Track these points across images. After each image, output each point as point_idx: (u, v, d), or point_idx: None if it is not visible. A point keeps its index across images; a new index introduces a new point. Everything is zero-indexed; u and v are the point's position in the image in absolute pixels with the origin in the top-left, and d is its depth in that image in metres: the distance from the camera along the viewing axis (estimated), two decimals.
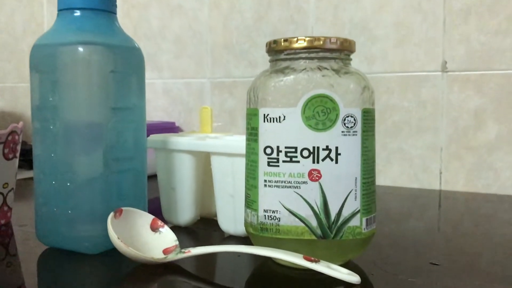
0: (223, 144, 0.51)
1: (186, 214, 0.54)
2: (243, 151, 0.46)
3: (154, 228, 0.44)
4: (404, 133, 0.79)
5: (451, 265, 0.43)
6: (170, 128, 0.95)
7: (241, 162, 0.48)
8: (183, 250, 0.41)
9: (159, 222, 0.44)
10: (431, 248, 0.49)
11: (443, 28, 0.77)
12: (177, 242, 0.43)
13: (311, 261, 0.37)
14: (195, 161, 0.53)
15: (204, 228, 0.54)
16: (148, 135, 0.86)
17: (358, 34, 0.82)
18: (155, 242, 0.43)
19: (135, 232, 0.43)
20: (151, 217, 0.44)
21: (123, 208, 0.43)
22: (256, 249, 0.40)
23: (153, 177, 0.60)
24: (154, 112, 0.99)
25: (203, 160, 0.54)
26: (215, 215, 0.57)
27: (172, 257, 0.40)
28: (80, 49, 0.42)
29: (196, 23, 0.95)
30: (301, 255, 0.38)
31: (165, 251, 0.42)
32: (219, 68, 0.94)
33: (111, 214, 0.41)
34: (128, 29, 1.02)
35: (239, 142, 0.50)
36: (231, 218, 0.51)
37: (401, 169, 0.80)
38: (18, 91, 1.15)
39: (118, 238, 0.40)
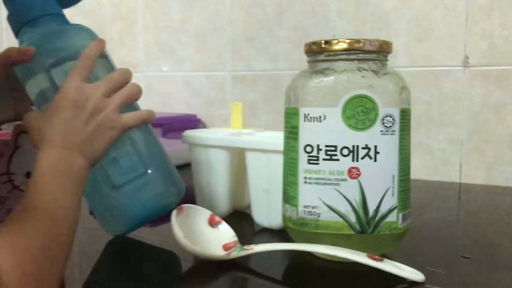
0: (259, 141, 0.52)
1: (220, 207, 0.56)
2: (278, 147, 0.48)
3: (212, 224, 0.46)
4: (425, 126, 0.81)
5: (481, 258, 0.45)
6: (191, 120, 0.96)
7: (276, 158, 0.49)
8: (245, 247, 0.43)
9: (217, 218, 0.46)
10: (457, 240, 0.51)
11: (465, 23, 0.77)
12: (236, 238, 0.45)
13: (375, 259, 0.39)
14: (229, 156, 0.55)
15: (236, 220, 0.56)
16: (169, 128, 0.88)
17: (379, 28, 0.83)
18: (214, 238, 0.44)
19: (196, 228, 0.45)
20: (209, 212, 0.46)
21: (183, 206, 0.45)
22: (319, 247, 0.41)
23: (184, 167, 0.62)
24: (176, 104, 1.01)
25: (237, 155, 0.56)
26: (246, 208, 0.59)
27: (235, 254, 0.42)
28: None
29: (217, 16, 0.96)
30: (365, 254, 0.40)
31: (225, 247, 0.43)
32: (240, 61, 0.95)
33: (174, 211, 0.43)
34: (148, 22, 1.03)
35: (274, 138, 0.51)
36: (265, 212, 0.53)
37: (422, 162, 0.81)
38: None
39: (185, 237, 0.42)
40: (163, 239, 0.50)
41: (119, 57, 1.05)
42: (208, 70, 0.99)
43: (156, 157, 0.48)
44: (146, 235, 0.52)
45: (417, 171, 0.81)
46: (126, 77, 0.46)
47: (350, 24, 0.85)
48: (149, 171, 0.46)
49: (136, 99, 0.47)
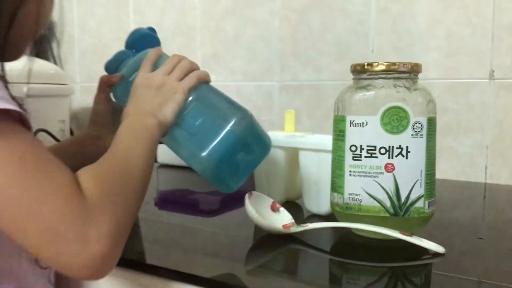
0: (310, 142, 0.64)
1: (276, 197, 0.68)
2: (326, 147, 0.59)
3: (274, 209, 0.58)
4: (453, 132, 0.90)
5: (494, 239, 0.55)
6: None
7: (325, 156, 0.61)
8: (302, 225, 0.54)
9: (277, 205, 0.58)
10: (476, 227, 0.61)
11: (491, 41, 0.87)
12: (293, 220, 0.56)
13: (406, 235, 0.50)
14: (285, 154, 0.67)
15: (290, 208, 0.68)
16: None
17: (413, 44, 0.93)
18: (276, 219, 0.56)
19: (262, 211, 0.56)
20: (271, 200, 0.58)
21: (253, 192, 0.57)
22: (361, 225, 0.52)
23: None
24: None
25: (291, 154, 0.67)
26: (297, 198, 0.70)
27: (294, 229, 0.54)
28: None
29: (267, 32, 1.08)
30: (397, 231, 0.51)
31: (284, 226, 0.55)
32: (287, 72, 1.07)
33: (247, 195, 0.55)
34: (206, 37, 1.16)
35: (322, 140, 0.63)
36: (315, 200, 0.64)
37: (450, 164, 0.91)
38: None
39: (256, 212, 0.54)
40: (237, 223, 0.62)
41: None
42: (257, 80, 1.11)
43: (216, 100, 0.59)
44: (222, 221, 0.64)
45: (446, 172, 0.91)
46: (185, 63, 0.59)
47: (387, 40, 0.96)
48: (214, 113, 0.57)
49: (203, 80, 0.58)
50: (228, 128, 0.55)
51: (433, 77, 0.91)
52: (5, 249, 0.45)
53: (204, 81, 0.59)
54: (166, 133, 0.55)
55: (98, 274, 0.38)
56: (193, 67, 0.60)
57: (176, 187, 0.94)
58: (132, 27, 1.27)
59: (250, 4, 1.10)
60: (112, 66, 0.67)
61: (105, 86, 0.64)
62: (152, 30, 0.68)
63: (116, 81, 0.63)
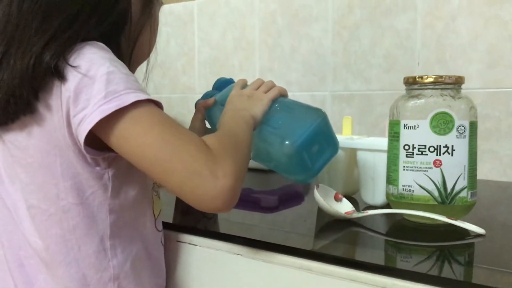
0: (367, 143, 0.75)
1: (336, 190, 0.78)
2: (381, 148, 0.70)
3: (337, 199, 0.69)
4: (494, 137, 0.99)
5: None
6: None
7: (380, 156, 0.71)
8: (362, 211, 0.65)
9: (340, 195, 0.69)
10: None
11: None
12: (354, 208, 0.67)
13: (451, 219, 0.60)
14: (344, 154, 0.78)
15: (350, 200, 0.78)
16: None
17: (457, 57, 1.03)
18: (339, 207, 0.67)
19: (327, 200, 0.67)
20: (334, 191, 0.69)
21: (320, 184, 0.68)
22: (413, 212, 0.62)
23: None
24: None
25: (349, 154, 0.78)
26: (354, 193, 0.81)
27: (356, 215, 0.65)
28: None
29: (321, 48, 1.20)
30: (445, 216, 0.60)
31: (347, 213, 0.66)
32: (339, 83, 1.18)
33: (315, 186, 0.67)
34: (264, 52, 1.28)
35: (377, 141, 0.73)
36: (371, 193, 0.75)
37: (492, 166, 1.00)
38: (172, 101, 1.47)
39: (324, 200, 0.65)
40: (303, 214, 0.73)
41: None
42: (312, 90, 1.22)
43: (295, 105, 0.74)
44: (286, 215, 0.75)
45: (488, 173, 0.99)
46: (268, 82, 0.75)
47: (432, 53, 1.05)
48: (294, 113, 0.71)
49: (282, 94, 0.73)
50: (307, 120, 0.69)
51: (475, 86, 1.00)
52: (137, 213, 0.59)
53: (284, 95, 0.74)
54: (256, 127, 0.68)
55: (225, 204, 0.50)
56: (274, 85, 0.74)
57: None
58: (197, 44, 1.41)
59: (304, 22, 1.22)
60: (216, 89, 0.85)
61: (202, 108, 0.79)
62: (231, 79, 0.85)
63: (210, 104, 0.78)
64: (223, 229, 0.66)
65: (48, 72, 0.51)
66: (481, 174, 0.99)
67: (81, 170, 0.54)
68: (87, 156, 0.53)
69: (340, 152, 0.78)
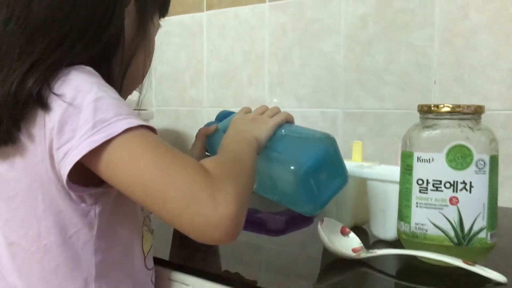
0: (378, 173, 0.69)
1: (344, 222, 0.73)
2: (393, 178, 0.65)
3: (343, 233, 0.64)
4: None
5: None
6: None
7: (392, 187, 0.66)
8: (370, 251, 0.60)
9: (347, 229, 0.64)
10: None
11: None
12: (361, 245, 0.62)
13: (469, 264, 0.55)
14: (353, 183, 0.73)
15: (357, 232, 0.73)
16: None
17: (476, 76, 0.97)
18: (345, 243, 0.62)
19: (333, 235, 0.63)
20: (340, 224, 0.64)
21: (324, 218, 0.63)
22: (426, 253, 0.57)
23: None
24: None
25: (358, 183, 0.73)
26: (364, 223, 0.76)
27: (363, 255, 0.60)
28: None
29: (333, 63, 1.15)
30: (461, 260, 0.55)
31: (354, 250, 0.61)
32: (351, 100, 1.13)
33: (319, 222, 0.62)
34: (273, 67, 1.24)
35: (389, 171, 0.68)
36: (381, 227, 0.70)
37: None
38: (180, 113, 1.43)
39: (328, 240, 0.60)
40: (307, 244, 0.69)
41: (247, 94, 1.27)
42: (322, 107, 1.17)
43: (303, 130, 0.69)
44: (291, 241, 0.70)
45: (509, 201, 0.93)
46: (274, 108, 0.71)
47: (449, 72, 1.00)
48: (301, 138, 0.67)
49: (288, 120, 0.70)
50: (315, 145, 0.65)
51: (495, 108, 0.95)
52: (126, 252, 0.55)
53: (290, 121, 0.70)
54: (260, 151, 0.63)
55: (228, 234, 0.45)
56: (280, 110, 0.70)
57: None
58: (206, 57, 1.37)
59: (316, 36, 1.17)
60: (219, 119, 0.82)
61: (202, 135, 0.75)
62: (234, 112, 0.83)
63: (211, 131, 0.75)
64: (218, 266, 0.61)
65: (30, 100, 0.47)
66: (501, 201, 0.93)
67: (64, 207, 0.50)
68: (72, 193, 0.49)
69: (349, 179, 0.73)
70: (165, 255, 0.65)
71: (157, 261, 0.61)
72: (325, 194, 0.64)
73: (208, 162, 0.50)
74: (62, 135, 0.47)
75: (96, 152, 0.46)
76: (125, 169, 0.46)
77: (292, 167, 0.62)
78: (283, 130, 0.68)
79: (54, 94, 0.47)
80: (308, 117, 1.19)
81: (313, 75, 1.18)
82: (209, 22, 1.37)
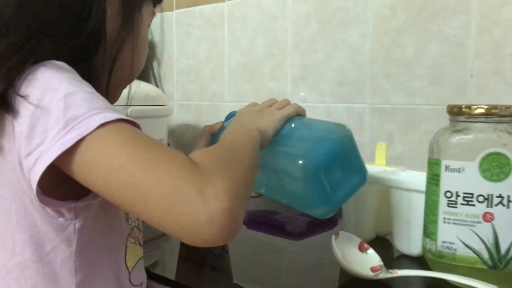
0: (402, 181, 0.62)
1: (365, 232, 0.67)
2: (419, 187, 0.57)
3: (361, 249, 0.57)
4: None
5: None
6: None
7: (417, 196, 0.59)
8: (390, 271, 0.53)
9: (365, 245, 0.57)
10: None
11: None
12: (381, 263, 0.55)
13: None
14: (375, 190, 0.66)
15: (380, 245, 0.66)
16: None
17: None
18: (364, 261, 0.56)
19: (349, 251, 0.56)
20: (358, 240, 0.58)
21: (340, 232, 0.57)
22: (456, 277, 0.50)
23: None
24: None
25: (381, 189, 0.66)
26: (387, 234, 0.68)
27: (383, 275, 0.53)
28: None
29: (359, 55, 1.07)
30: (496, 286, 0.47)
31: (372, 269, 0.54)
32: (379, 95, 1.05)
33: (333, 236, 0.55)
34: (296, 60, 1.17)
35: (414, 179, 0.61)
36: (405, 240, 0.62)
37: None
38: (201, 108, 1.38)
39: (342, 257, 0.53)
40: (322, 260, 0.62)
41: (269, 89, 1.21)
42: (348, 102, 1.10)
43: (315, 122, 0.63)
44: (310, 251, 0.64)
45: None
46: (283, 101, 0.66)
47: (487, 64, 0.90)
48: (312, 130, 0.60)
49: (299, 112, 0.64)
50: (327, 137, 0.58)
51: None
52: (110, 269, 0.50)
53: (301, 114, 0.65)
54: (265, 144, 0.58)
55: (221, 233, 0.38)
56: (290, 103, 0.65)
57: (264, 208, 0.96)
58: (227, 49, 1.31)
59: (341, 27, 1.09)
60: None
61: (207, 133, 0.71)
62: None
63: (217, 128, 0.70)
64: (216, 279, 0.56)
65: None
66: None
67: (39, 221, 0.45)
68: (46, 207, 0.44)
69: (370, 187, 0.66)
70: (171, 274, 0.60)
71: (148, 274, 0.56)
72: (339, 193, 0.58)
73: (197, 154, 0.44)
74: (31, 140, 0.42)
75: (70, 152, 0.40)
76: (100, 166, 0.40)
77: (300, 162, 0.56)
78: (292, 124, 0.62)
79: (19, 95, 0.42)
80: (333, 113, 1.12)
81: (338, 68, 1.11)
82: (230, 12, 1.31)
